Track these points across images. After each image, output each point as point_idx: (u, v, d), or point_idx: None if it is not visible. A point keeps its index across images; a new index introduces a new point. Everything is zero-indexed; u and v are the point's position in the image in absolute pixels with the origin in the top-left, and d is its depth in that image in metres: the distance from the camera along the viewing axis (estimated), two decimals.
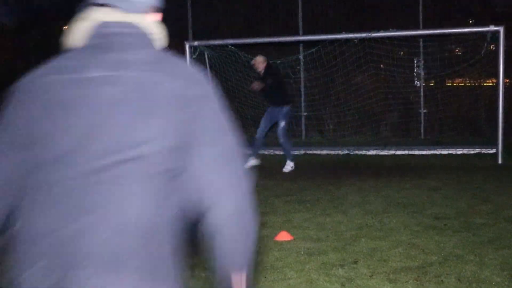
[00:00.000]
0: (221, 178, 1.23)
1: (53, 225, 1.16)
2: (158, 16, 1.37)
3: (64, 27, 16.30)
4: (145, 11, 1.31)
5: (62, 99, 1.19)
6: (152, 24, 1.31)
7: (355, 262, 4.03)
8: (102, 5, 1.28)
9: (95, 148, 1.16)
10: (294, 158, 8.50)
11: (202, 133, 1.22)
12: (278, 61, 10.38)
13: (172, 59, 1.30)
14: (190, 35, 12.08)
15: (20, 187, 1.23)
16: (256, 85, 8.39)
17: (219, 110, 1.28)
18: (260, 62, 8.36)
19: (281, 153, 9.83)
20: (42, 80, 1.23)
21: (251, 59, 9.94)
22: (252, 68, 10.40)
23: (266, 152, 9.52)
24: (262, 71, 8.36)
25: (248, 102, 10.85)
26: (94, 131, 1.17)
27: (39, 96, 1.21)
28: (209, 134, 1.23)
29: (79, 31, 1.28)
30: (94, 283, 1.14)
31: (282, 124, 8.32)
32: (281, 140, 8.39)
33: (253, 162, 8.66)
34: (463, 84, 12.04)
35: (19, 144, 1.21)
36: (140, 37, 1.27)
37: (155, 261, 1.18)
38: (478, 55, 9.81)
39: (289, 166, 8.42)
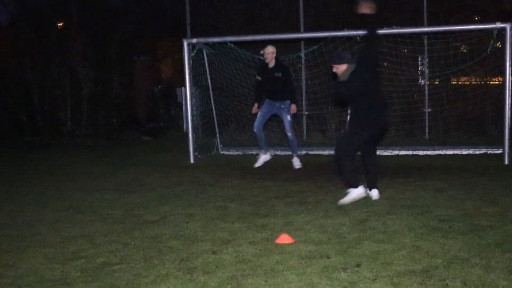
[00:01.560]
0: None
1: None
2: None
3: (59, 25, 16.31)
4: None
5: None
6: None
7: (358, 266, 4.03)
8: None
9: None
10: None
11: None
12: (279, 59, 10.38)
13: None
14: (188, 32, 12.09)
15: None
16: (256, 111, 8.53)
17: None
18: (271, 53, 8.35)
19: (281, 153, 9.84)
20: None
21: (251, 57, 9.93)
22: (251, 66, 10.42)
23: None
24: (272, 62, 8.35)
25: (247, 101, 10.84)
26: None
27: None
28: None
29: None
30: None
31: (289, 118, 8.38)
32: (290, 134, 8.49)
33: (264, 157, 8.78)
34: (468, 82, 12.04)
35: None
36: None
37: None
38: (484, 52, 9.81)
39: (297, 161, 8.59)
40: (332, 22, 11.55)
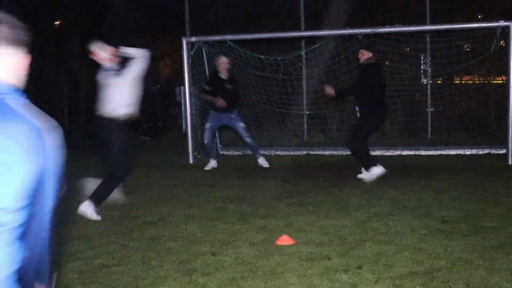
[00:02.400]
0: None
1: None
2: None
3: (56, 23, 16.32)
4: None
5: None
6: None
7: (360, 267, 4.03)
8: None
9: None
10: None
11: None
12: (279, 58, 10.38)
13: None
14: (188, 31, 12.09)
15: None
16: (222, 103, 8.49)
17: None
18: (224, 63, 8.57)
19: (282, 153, 9.86)
20: None
21: (251, 56, 9.93)
22: (251, 64, 10.43)
23: (266, 153, 9.52)
24: (225, 74, 8.56)
25: (247, 100, 10.85)
26: None
27: None
28: None
29: None
30: None
31: (242, 124, 8.67)
32: (249, 140, 8.74)
33: (214, 163, 8.88)
34: (471, 81, 12.05)
35: None
36: None
37: None
38: (488, 51, 9.81)
39: (264, 161, 8.77)
40: (333, 20, 11.54)
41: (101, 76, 5.78)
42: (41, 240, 1.50)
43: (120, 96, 5.66)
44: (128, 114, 5.76)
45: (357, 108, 7.41)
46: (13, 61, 1.60)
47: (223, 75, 8.58)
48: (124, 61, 5.94)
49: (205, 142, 8.79)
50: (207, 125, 8.79)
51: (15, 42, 1.62)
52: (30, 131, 1.45)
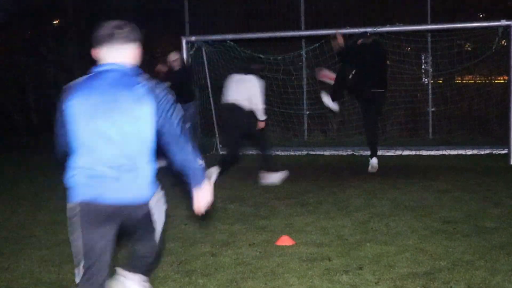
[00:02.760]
0: None
1: None
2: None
3: (55, 23, 16.32)
4: None
5: None
6: None
7: (360, 268, 4.03)
8: None
9: None
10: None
11: None
12: (279, 57, 10.38)
13: None
14: (187, 30, 12.08)
15: None
16: (162, 68, 8.85)
17: None
18: (175, 59, 8.68)
19: (282, 153, 9.85)
20: None
21: (251, 55, 9.90)
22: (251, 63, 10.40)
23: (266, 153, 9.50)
24: (178, 68, 8.68)
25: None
26: None
27: None
28: None
29: None
30: None
31: (188, 124, 8.49)
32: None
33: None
34: (473, 81, 12.04)
35: None
36: None
37: None
38: (489, 50, 9.81)
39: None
40: (334, 19, 11.54)
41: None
42: (184, 154, 2.81)
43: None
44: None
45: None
46: (132, 52, 2.78)
47: (176, 68, 8.76)
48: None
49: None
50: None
51: (132, 40, 2.78)
52: (147, 87, 2.69)
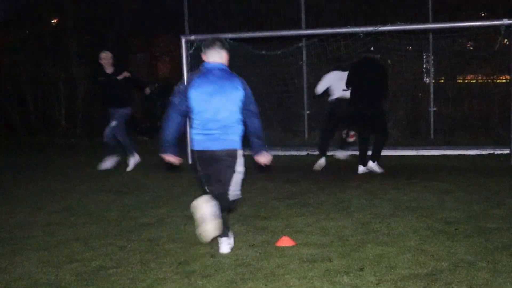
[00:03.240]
0: None
1: None
2: None
3: (53, 22, 16.31)
4: None
5: None
6: None
7: (361, 269, 4.03)
8: None
9: None
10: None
11: None
12: (279, 52, 10.36)
13: None
14: (187, 29, 12.08)
15: None
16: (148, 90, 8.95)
17: None
18: (110, 58, 8.57)
19: (282, 153, 9.85)
20: None
21: (251, 52, 9.88)
22: (251, 63, 10.42)
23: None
24: (110, 68, 8.59)
25: None
26: None
27: None
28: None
29: None
30: None
31: (114, 123, 8.62)
32: (110, 140, 8.72)
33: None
34: (475, 80, 12.04)
35: None
36: None
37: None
38: (491, 50, 9.81)
39: (132, 162, 8.84)
40: (335, 18, 11.54)
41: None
42: (254, 126, 4.48)
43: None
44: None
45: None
46: (224, 55, 4.48)
47: (109, 69, 8.63)
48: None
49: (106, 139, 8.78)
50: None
51: (225, 48, 4.48)
52: (237, 80, 4.42)
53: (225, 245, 4.51)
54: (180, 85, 4.53)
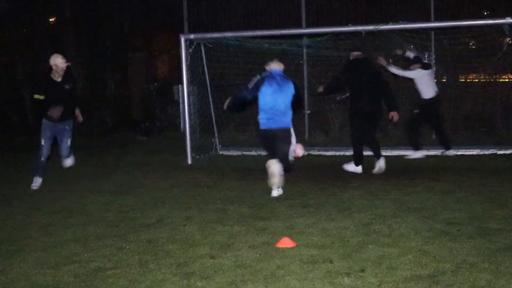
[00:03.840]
0: None
1: None
2: None
3: (51, 20, 16.32)
4: None
5: None
6: None
7: (362, 271, 4.03)
8: None
9: None
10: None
11: None
12: (282, 42, 10.35)
13: None
14: (186, 28, 12.09)
15: None
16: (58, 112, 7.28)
17: None
18: (64, 63, 7.30)
19: None
20: None
21: (250, 54, 9.88)
22: (251, 63, 10.42)
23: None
24: (62, 75, 7.32)
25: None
26: None
27: None
28: None
29: None
30: None
31: (69, 141, 7.67)
32: (70, 161, 7.87)
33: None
34: (477, 80, 12.04)
35: None
36: None
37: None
38: (494, 49, 9.80)
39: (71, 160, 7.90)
40: (335, 17, 11.53)
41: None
42: (299, 106, 7.43)
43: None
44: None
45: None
46: (282, 66, 6.96)
47: (58, 78, 7.32)
48: None
49: (42, 159, 7.57)
50: (45, 143, 7.52)
51: (280, 60, 7.05)
52: (290, 82, 6.87)
53: (276, 192, 6.57)
54: (257, 79, 6.75)
